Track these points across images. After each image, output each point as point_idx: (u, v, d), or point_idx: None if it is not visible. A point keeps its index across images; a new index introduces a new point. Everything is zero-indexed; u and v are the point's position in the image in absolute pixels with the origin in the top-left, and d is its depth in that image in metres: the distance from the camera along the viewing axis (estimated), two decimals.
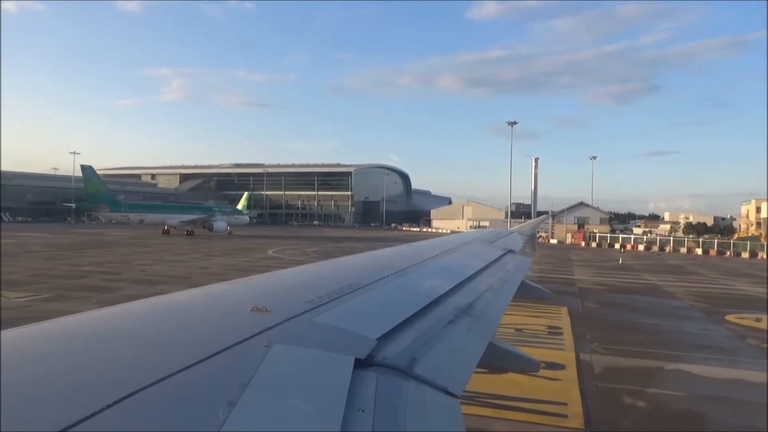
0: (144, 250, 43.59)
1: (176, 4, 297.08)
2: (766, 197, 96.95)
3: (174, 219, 68.50)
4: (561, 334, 16.24)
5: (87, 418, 1.15)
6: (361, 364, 1.84)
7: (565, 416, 9.49)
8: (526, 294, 6.23)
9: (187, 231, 67.46)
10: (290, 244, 57.03)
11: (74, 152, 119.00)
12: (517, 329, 15.24)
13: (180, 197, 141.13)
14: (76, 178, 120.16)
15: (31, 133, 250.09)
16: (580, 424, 9.18)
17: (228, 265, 32.76)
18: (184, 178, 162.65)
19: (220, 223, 68.16)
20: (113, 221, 68.99)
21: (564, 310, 19.81)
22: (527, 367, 3.68)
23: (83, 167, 64.40)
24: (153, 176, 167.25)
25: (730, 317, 20.20)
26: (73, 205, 77.52)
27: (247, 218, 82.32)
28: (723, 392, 11.51)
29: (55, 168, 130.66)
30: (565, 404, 9.97)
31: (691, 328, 18.20)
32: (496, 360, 3.12)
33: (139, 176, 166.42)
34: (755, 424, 9.84)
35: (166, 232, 66.85)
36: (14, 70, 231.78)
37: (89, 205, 67.43)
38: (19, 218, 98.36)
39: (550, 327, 16.90)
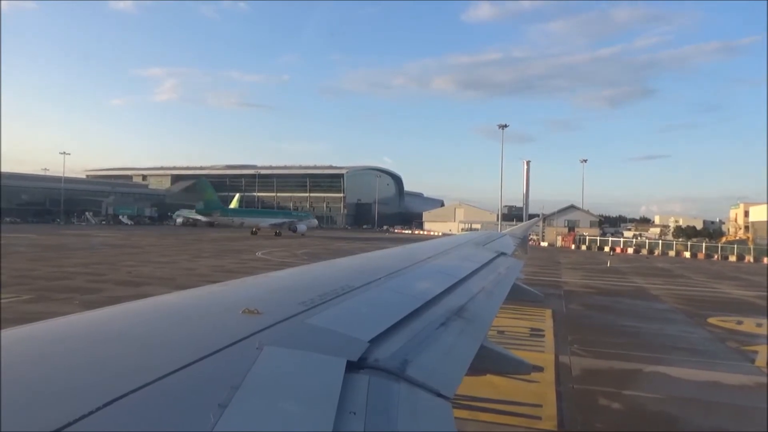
0: (132, 251, 43.27)
1: (169, 3, 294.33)
2: (754, 201, 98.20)
3: (265, 222, 78.32)
4: (543, 336, 16.29)
5: (80, 418, 1.14)
6: (353, 367, 1.84)
7: (539, 418, 9.52)
8: (518, 296, 6.26)
9: (276, 232, 75.78)
10: (280, 245, 56.85)
11: (65, 152, 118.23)
12: (499, 331, 15.26)
13: (172, 198, 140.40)
14: (67, 179, 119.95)
15: (21, 133, 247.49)
16: (554, 426, 9.22)
17: (215, 267, 32.53)
18: (176, 178, 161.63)
19: (302, 226, 78.06)
20: (222, 224, 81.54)
21: (548, 312, 19.86)
22: (518, 369, 3.69)
23: (201, 180, 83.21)
24: (144, 177, 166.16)
25: (712, 320, 20.34)
26: (194, 210, 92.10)
27: (316, 221, 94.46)
28: (698, 394, 11.59)
29: (45, 168, 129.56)
30: (540, 406, 9.99)
31: (673, 330, 18.30)
32: (488, 362, 3.13)
33: (130, 177, 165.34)
34: (729, 426, 9.94)
35: (254, 233, 75.35)
36: (4, 68, 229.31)
37: (206, 211, 79.74)
38: (8, 219, 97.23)
39: (532, 329, 16.93)
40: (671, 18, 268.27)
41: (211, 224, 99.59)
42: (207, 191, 78.74)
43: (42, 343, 1.73)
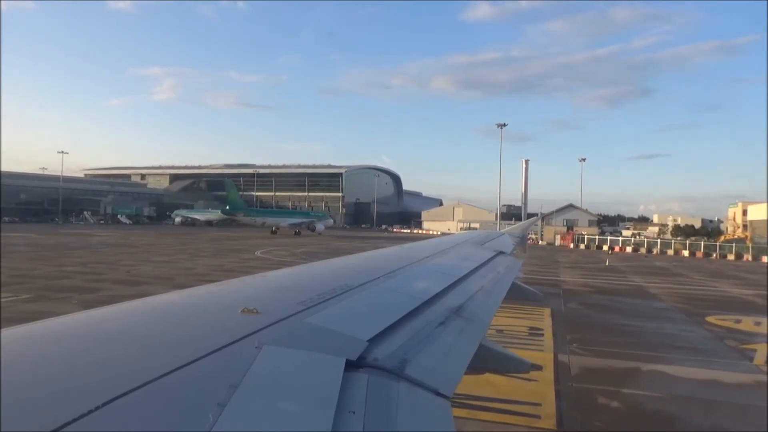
0: (130, 250, 43.23)
1: (168, 3, 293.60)
2: (752, 200, 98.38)
3: (285, 221, 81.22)
4: (542, 335, 16.30)
5: (79, 418, 1.14)
6: (352, 366, 1.84)
7: (539, 417, 9.53)
8: (517, 295, 6.26)
9: (295, 231, 78.25)
10: (279, 244, 56.85)
11: (63, 152, 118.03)
12: (498, 330, 15.27)
13: (170, 198, 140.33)
14: (66, 178, 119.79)
15: (19, 132, 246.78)
16: (553, 425, 9.23)
17: (214, 266, 32.53)
18: (174, 178, 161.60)
19: (321, 225, 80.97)
20: (245, 223, 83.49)
21: (546, 311, 19.87)
22: (517, 368, 3.70)
23: (226, 181, 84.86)
24: (143, 176, 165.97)
25: (710, 318, 20.36)
26: (218, 211, 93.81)
27: (332, 221, 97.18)
28: (697, 393, 11.59)
29: (43, 168, 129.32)
30: (539, 405, 10.01)
31: (671, 329, 18.31)
32: (487, 361, 3.13)
33: (128, 176, 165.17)
34: (728, 424, 9.96)
35: (274, 233, 77.64)
36: (3, 68, 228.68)
37: (231, 211, 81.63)
38: (6, 218, 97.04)
39: (531, 328, 16.96)
40: (670, 17, 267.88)
41: (210, 223, 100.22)
42: (231, 192, 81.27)
43: (41, 342, 1.73)
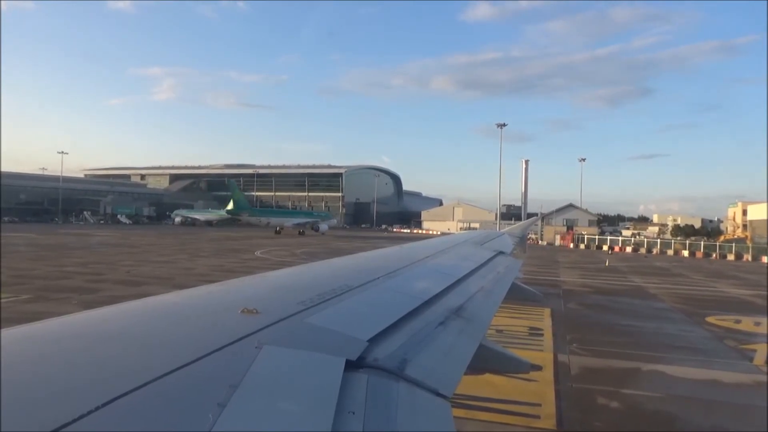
0: (130, 250, 43.22)
1: (168, 3, 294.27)
2: (752, 200, 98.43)
3: (289, 221, 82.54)
4: (541, 335, 16.31)
5: (79, 418, 1.14)
6: (352, 366, 1.84)
7: (538, 417, 9.53)
8: (516, 296, 6.26)
9: (299, 231, 79.38)
10: (279, 244, 56.85)
11: (63, 152, 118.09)
12: (498, 330, 15.26)
13: (170, 198, 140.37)
14: (66, 179, 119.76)
15: (19, 132, 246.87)
16: (553, 425, 9.23)
17: (214, 266, 32.53)
18: (174, 178, 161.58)
19: (324, 225, 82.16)
20: (250, 223, 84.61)
21: (546, 311, 19.88)
22: (517, 368, 3.70)
23: (230, 182, 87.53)
24: (142, 176, 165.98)
25: (710, 319, 20.38)
26: (219, 211, 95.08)
27: (335, 220, 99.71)
28: (696, 393, 11.60)
29: (43, 168, 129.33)
30: (539, 405, 10.01)
31: (671, 329, 18.32)
32: (487, 361, 3.13)
33: (128, 176, 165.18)
34: (728, 425, 9.97)
35: (278, 233, 78.92)
36: (3, 68, 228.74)
37: (235, 211, 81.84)
38: (6, 218, 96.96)
39: (530, 328, 16.97)
40: (670, 17, 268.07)
41: (210, 223, 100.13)
42: (235, 192, 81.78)
43: (41, 343, 1.73)
